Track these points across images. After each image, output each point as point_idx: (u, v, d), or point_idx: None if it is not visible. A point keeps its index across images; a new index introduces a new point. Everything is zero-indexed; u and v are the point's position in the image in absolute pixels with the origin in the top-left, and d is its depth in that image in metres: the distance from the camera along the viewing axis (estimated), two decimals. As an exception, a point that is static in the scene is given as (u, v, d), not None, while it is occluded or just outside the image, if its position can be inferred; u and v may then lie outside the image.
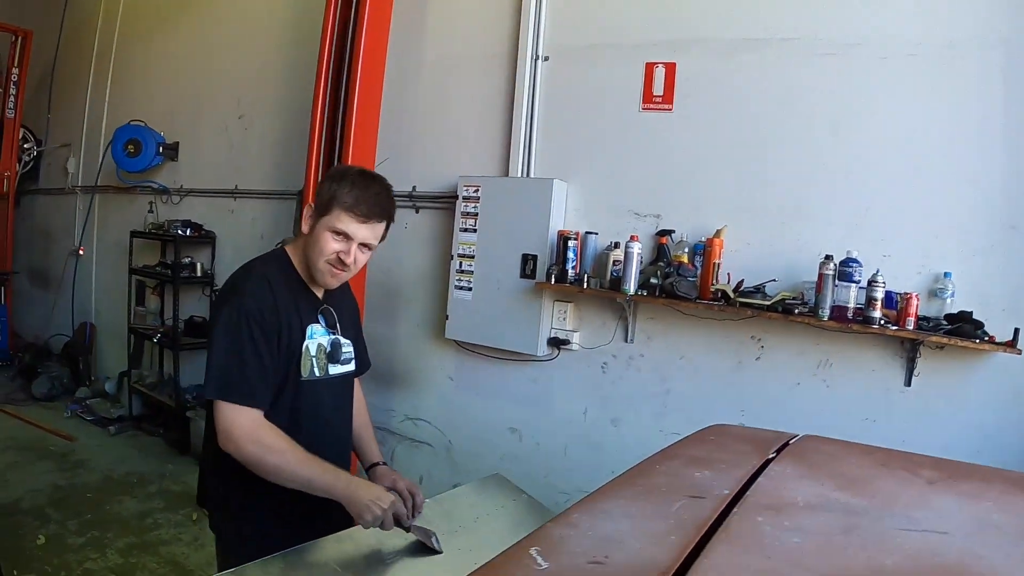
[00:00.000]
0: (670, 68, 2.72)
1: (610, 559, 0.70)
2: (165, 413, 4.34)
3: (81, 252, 5.26)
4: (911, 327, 2.22)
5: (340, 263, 1.40)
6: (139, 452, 4.22)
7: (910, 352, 2.35)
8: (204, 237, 4.25)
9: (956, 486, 1.06)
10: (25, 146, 5.60)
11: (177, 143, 4.54)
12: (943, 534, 0.86)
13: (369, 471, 1.64)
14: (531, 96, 2.98)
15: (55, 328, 5.35)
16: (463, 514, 1.63)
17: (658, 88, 2.73)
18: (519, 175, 2.99)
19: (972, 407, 2.26)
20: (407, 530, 1.38)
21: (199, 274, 4.22)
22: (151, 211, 4.53)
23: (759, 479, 1.00)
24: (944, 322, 2.25)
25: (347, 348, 1.56)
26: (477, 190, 2.96)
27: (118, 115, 4.86)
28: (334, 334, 1.53)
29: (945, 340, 2.20)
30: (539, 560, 0.67)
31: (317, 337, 1.48)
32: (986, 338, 2.17)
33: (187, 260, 4.20)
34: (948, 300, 2.29)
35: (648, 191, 2.74)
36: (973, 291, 2.27)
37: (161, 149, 4.47)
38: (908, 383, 2.35)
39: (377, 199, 1.40)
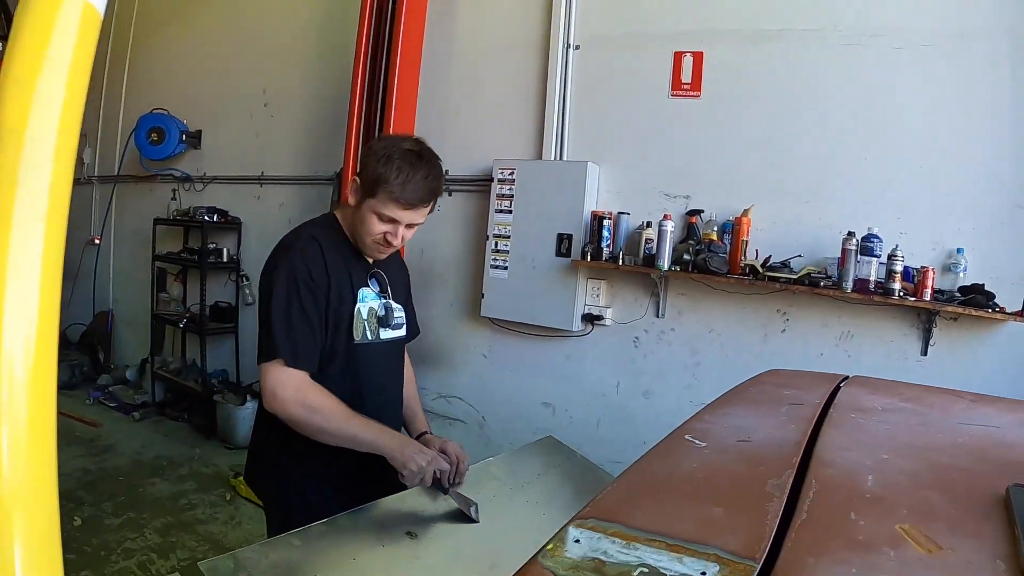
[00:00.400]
0: (697, 57, 2.87)
1: (752, 439, 0.83)
2: (190, 398, 4.40)
3: (96, 242, 5.29)
4: (928, 298, 2.38)
5: (387, 243, 1.41)
6: (165, 437, 4.27)
7: (926, 323, 2.51)
8: (230, 223, 4.32)
9: (993, 404, 1.23)
10: (38, 137, 5.61)
11: (200, 131, 4.60)
12: (996, 427, 1.03)
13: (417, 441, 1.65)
14: (563, 83, 3.11)
15: (71, 318, 5.36)
16: (524, 471, 1.70)
17: (686, 76, 2.88)
18: (552, 158, 3.11)
19: (985, 374, 2.42)
20: (445, 492, 1.35)
21: (225, 260, 4.29)
22: (174, 198, 4.58)
23: (837, 396, 1.14)
24: (958, 294, 2.41)
25: (398, 313, 1.57)
26: (512, 172, 3.08)
27: (136, 104, 4.91)
28: (385, 298, 1.53)
29: (960, 310, 2.36)
30: (697, 442, 0.80)
31: (368, 300, 1.48)
32: (997, 308, 2.34)
33: (212, 246, 4.27)
34: (961, 274, 2.46)
35: (677, 173, 2.88)
36: (984, 266, 2.44)
37: (184, 137, 4.53)
38: (924, 352, 2.51)
39: (425, 183, 1.36)
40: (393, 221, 1.38)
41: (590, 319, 3.00)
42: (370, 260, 1.51)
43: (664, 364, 2.90)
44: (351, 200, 1.42)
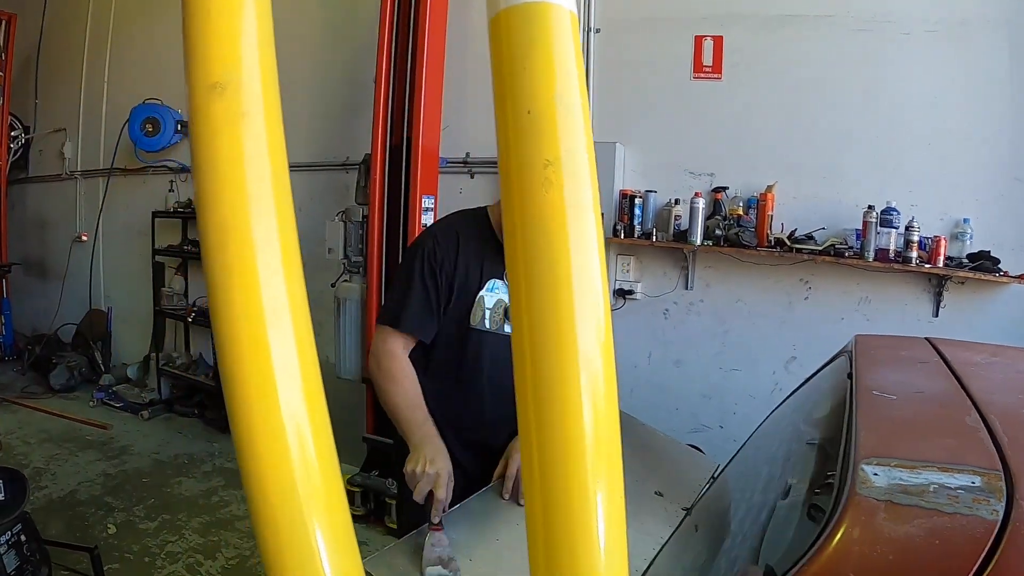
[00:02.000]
0: (718, 41, 2.97)
1: (923, 391, 0.95)
2: (201, 393, 4.34)
3: (84, 238, 5.11)
4: (941, 265, 2.58)
5: None
6: (179, 434, 4.21)
7: (937, 288, 2.71)
8: (237, 215, 4.23)
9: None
10: (12, 133, 5.34)
11: (196, 121, 4.47)
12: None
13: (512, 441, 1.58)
14: (585, 65, 3.17)
15: (61, 318, 5.17)
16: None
17: (707, 59, 2.98)
18: (578, 141, 3.17)
19: (991, 332, 2.61)
20: (428, 525, 1.19)
21: (233, 252, 4.21)
22: (172, 190, 4.46)
23: (943, 352, 1.28)
24: (966, 260, 2.62)
25: None
26: (540, 155, 3.13)
27: (120, 95, 4.73)
28: None
29: (970, 275, 2.57)
30: (888, 396, 0.91)
31: (499, 292, 1.50)
32: (1002, 272, 2.55)
33: (219, 238, 4.18)
34: (968, 242, 2.66)
35: (702, 152, 3.00)
36: (987, 234, 2.63)
37: (180, 127, 4.40)
38: (936, 314, 2.72)
39: None
40: None
41: (621, 294, 3.11)
42: None
43: (694, 334, 3.04)
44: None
